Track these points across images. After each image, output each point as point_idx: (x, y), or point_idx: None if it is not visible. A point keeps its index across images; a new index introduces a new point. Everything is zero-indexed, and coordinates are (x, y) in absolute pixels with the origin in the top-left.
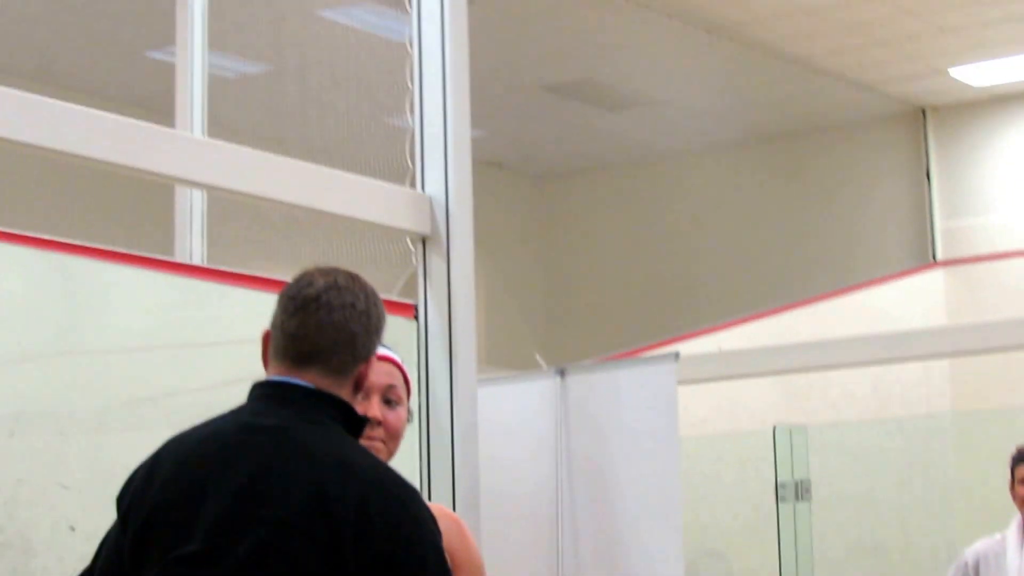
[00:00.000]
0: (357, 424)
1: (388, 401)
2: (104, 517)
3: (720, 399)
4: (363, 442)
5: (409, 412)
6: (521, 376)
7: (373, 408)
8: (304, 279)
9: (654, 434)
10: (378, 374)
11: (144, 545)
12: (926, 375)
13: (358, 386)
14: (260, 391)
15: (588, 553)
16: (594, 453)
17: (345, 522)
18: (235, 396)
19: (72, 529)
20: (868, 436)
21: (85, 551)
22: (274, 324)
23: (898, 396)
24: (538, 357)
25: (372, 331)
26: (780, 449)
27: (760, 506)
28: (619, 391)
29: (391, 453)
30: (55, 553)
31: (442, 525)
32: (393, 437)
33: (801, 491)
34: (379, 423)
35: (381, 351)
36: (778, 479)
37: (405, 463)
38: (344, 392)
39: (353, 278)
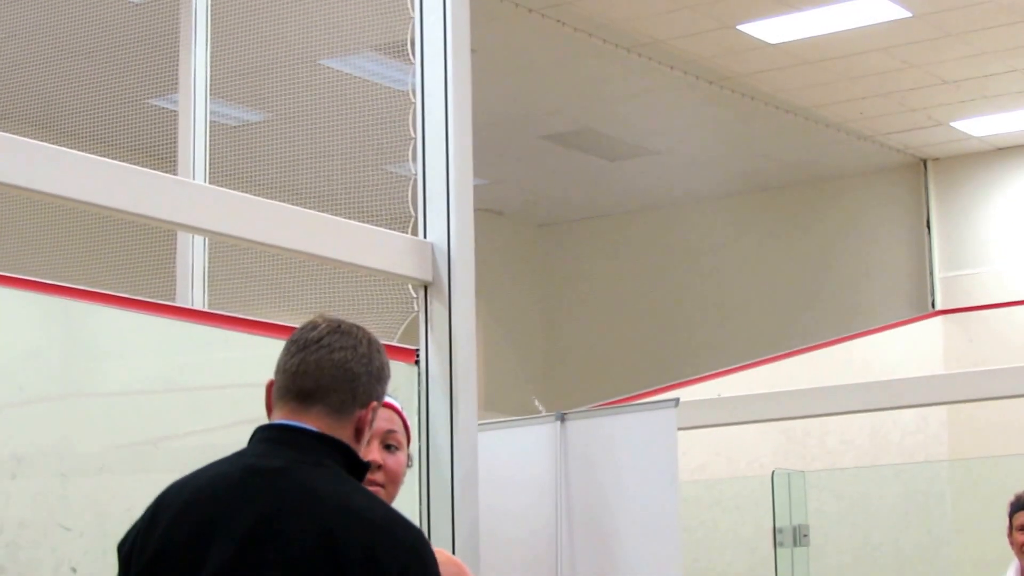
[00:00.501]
0: (360, 468)
1: (388, 446)
2: (106, 559)
3: (719, 445)
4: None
5: (409, 457)
6: (521, 421)
7: (373, 452)
8: (308, 325)
9: (653, 479)
10: (378, 420)
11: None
12: (924, 422)
13: (359, 432)
14: (262, 434)
15: None
16: (593, 498)
17: (352, 566)
18: (237, 439)
19: (74, 571)
20: (865, 482)
21: None
22: (277, 369)
23: (896, 443)
24: (536, 402)
25: (374, 377)
26: (778, 494)
27: (758, 550)
28: (619, 436)
29: (391, 497)
30: None
31: (445, 572)
32: (393, 481)
33: (799, 536)
34: (379, 467)
35: (385, 398)
36: (776, 524)
37: (405, 507)
38: (345, 436)
39: (358, 328)
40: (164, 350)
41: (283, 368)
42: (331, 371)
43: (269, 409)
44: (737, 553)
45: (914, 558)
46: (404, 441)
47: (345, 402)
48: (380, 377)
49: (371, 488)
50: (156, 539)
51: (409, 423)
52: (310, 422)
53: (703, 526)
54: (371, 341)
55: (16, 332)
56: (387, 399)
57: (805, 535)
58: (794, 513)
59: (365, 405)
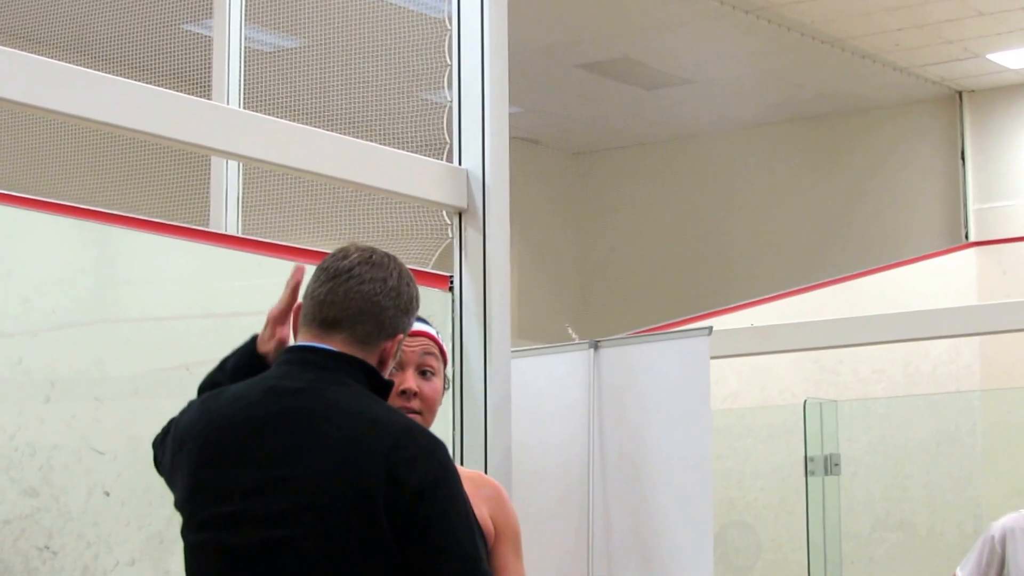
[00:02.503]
0: (383, 387)
1: (423, 372)
2: (139, 482)
3: (751, 374)
4: None
5: (446, 380)
6: (554, 348)
7: (408, 380)
8: (340, 253)
9: (686, 407)
10: (413, 346)
11: (187, 511)
12: (956, 353)
13: (382, 364)
14: (285, 356)
15: (618, 523)
16: (626, 425)
17: (372, 475)
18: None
19: (107, 494)
20: (897, 412)
21: (120, 516)
22: (305, 294)
23: (928, 374)
24: (570, 330)
25: (402, 310)
26: (810, 423)
27: (789, 479)
28: (652, 364)
29: (428, 424)
30: (90, 518)
31: (482, 491)
32: (429, 408)
33: (830, 465)
34: (415, 394)
35: (417, 325)
36: (807, 453)
37: (438, 434)
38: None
39: (390, 258)
40: (197, 275)
41: (311, 295)
42: (359, 303)
43: (295, 333)
44: (768, 482)
45: (945, 488)
46: (440, 367)
47: (370, 333)
48: (408, 310)
49: (408, 415)
50: (183, 462)
51: (446, 347)
52: (333, 345)
53: (735, 454)
54: (401, 273)
55: (50, 257)
56: (423, 327)
57: (836, 464)
58: (826, 442)
59: (391, 337)
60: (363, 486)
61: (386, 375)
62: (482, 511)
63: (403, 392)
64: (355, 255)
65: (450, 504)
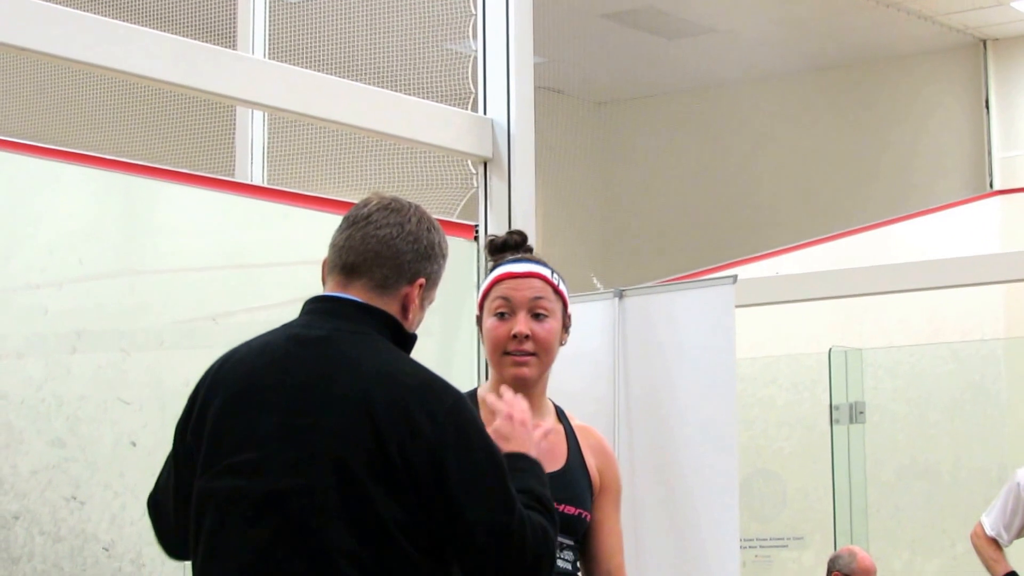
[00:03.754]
0: (406, 340)
1: (536, 315)
2: (165, 433)
3: (776, 323)
4: (513, 359)
5: (567, 320)
6: (579, 297)
7: (519, 323)
8: (362, 202)
9: (711, 356)
10: (522, 289)
11: (206, 457)
12: (980, 302)
13: (405, 310)
14: (309, 306)
15: (643, 472)
16: (651, 373)
17: (391, 427)
18: (295, 315)
19: (133, 444)
20: (922, 361)
21: (146, 466)
22: (330, 243)
23: (952, 322)
24: (595, 279)
25: (421, 255)
26: (835, 372)
27: (814, 428)
28: (677, 313)
29: (545, 366)
30: (117, 468)
31: (591, 442)
32: (545, 350)
33: (855, 413)
34: (527, 337)
35: (528, 267)
36: (832, 401)
37: (465, 385)
38: (390, 311)
39: (412, 205)
40: (223, 226)
41: (333, 243)
42: (375, 247)
43: (323, 283)
44: (793, 430)
45: (969, 436)
46: (555, 308)
47: (388, 278)
48: (429, 255)
49: (522, 357)
50: (208, 412)
51: (562, 288)
52: (354, 293)
53: (760, 403)
54: (421, 219)
55: (76, 207)
56: (535, 268)
57: (861, 412)
58: (851, 391)
59: (411, 282)
60: (381, 439)
61: (411, 322)
62: (590, 460)
63: (515, 336)
64: (375, 202)
65: (471, 456)
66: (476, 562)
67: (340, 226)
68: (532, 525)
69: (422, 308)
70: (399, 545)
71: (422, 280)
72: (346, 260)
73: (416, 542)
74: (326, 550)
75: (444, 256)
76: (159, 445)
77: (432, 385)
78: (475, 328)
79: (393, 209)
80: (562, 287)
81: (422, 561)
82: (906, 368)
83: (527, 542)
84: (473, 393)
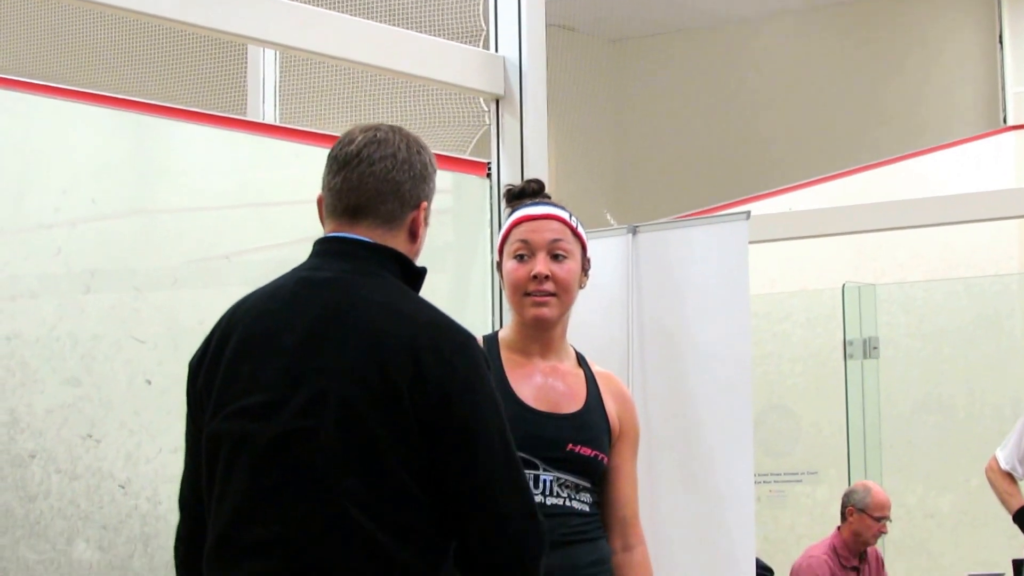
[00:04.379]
0: (415, 275)
1: (555, 256)
2: (179, 371)
3: (790, 259)
4: (533, 299)
5: (587, 262)
6: (592, 233)
7: (538, 264)
8: (345, 138)
9: (724, 292)
10: (541, 231)
11: (217, 401)
12: (994, 236)
13: (414, 235)
14: (318, 247)
15: (657, 408)
16: (664, 309)
17: (399, 367)
18: (305, 254)
19: (148, 383)
20: (935, 296)
21: (161, 404)
22: (323, 186)
23: (966, 257)
24: (608, 216)
25: (418, 179)
26: (849, 307)
27: (828, 363)
28: (690, 249)
29: (564, 307)
30: (132, 406)
31: (612, 388)
32: (565, 290)
33: (869, 348)
34: (547, 277)
35: (546, 209)
36: (846, 337)
37: (478, 320)
38: (399, 242)
39: (394, 130)
40: (235, 165)
41: (327, 186)
42: (374, 185)
43: (323, 222)
44: (807, 366)
45: (983, 370)
46: (574, 249)
47: (393, 211)
48: (424, 176)
49: (542, 298)
50: (225, 355)
51: (580, 229)
52: (361, 233)
53: (774, 339)
54: (409, 143)
55: (89, 147)
56: (553, 210)
57: (875, 348)
58: (864, 326)
59: (415, 207)
60: (388, 379)
61: (420, 241)
62: (610, 406)
63: (534, 277)
64: (360, 138)
65: (478, 403)
66: (469, 503)
67: (330, 167)
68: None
69: (426, 224)
70: (405, 487)
71: (424, 203)
72: (348, 202)
73: (421, 483)
74: (332, 492)
75: (436, 169)
76: (174, 383)
77: (441, 324)
78: (488, 265)
79: (380, 141)
80: (580, 230)
81: (427, 503)
82: (920, 303)
83: (512, 511)
84: (494, 336)
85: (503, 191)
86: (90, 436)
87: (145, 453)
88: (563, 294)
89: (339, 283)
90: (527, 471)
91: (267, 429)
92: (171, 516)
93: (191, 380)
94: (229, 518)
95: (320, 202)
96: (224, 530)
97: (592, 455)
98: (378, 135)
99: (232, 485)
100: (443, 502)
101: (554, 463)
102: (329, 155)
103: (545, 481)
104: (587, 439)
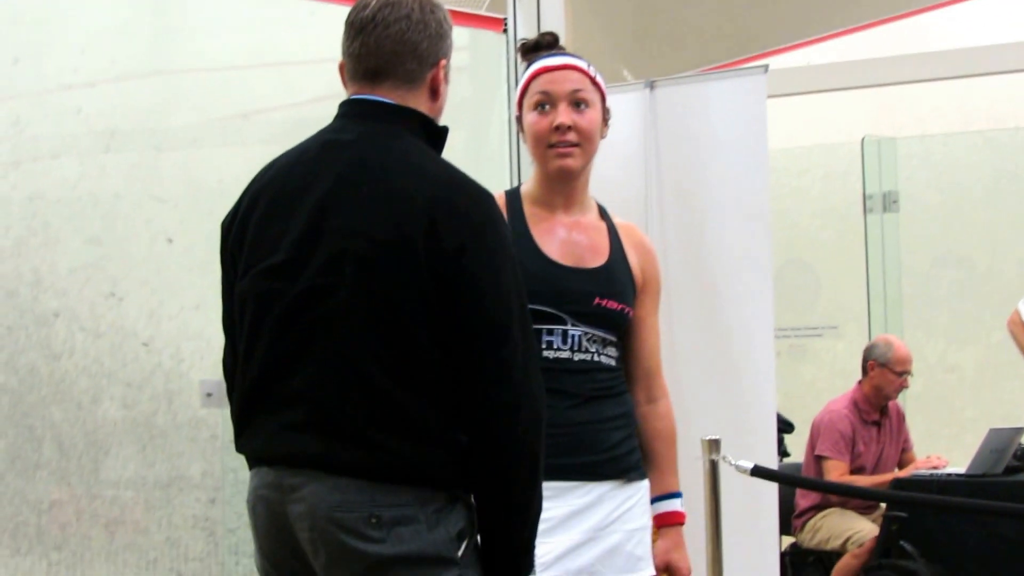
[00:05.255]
0: (438, 134)
1: (577, 104)
2: (200, 230)
3: (809, 113)
4: (557, 150)
5: (607, 112)
6: (609, 88)
7: (561, 114)
8: (360, 3)
9: (743, 146)
10: (561, 82)
11: (246, 261)
12: (1013, 89)
13: (435, 92)
14: (341, 110)
15: (676, 263)
16: (683, 164)
17: (414, 222)
18: (325, 112)
19: (169, 241)
20: (955, 149)
21: (182, 262)
22: (343, 52)
23: (985, 110)
24: (625, 71)
25: (434, 36)
26: (868, 161)
27: (847, 217)
28: (708, 103)
29: (588, 156)
30: (153, 264)
31: (633, 238)
32: (587, 139)
33: (888, 202)
34: (569, 127)
35: (564, 59)
36: (866, 191)
37: (495, 175)
38: (421, 100)
39: None
40: (252, 24)
41: (347, 52)
42: (391, 47)
43: (346, 87)
44: (827, 220)
45: (1004, 224)
46: (594, 98)
47: (413, 71)
48: (440, 34)
49: (565, 148)
50: (250, 218)
51: (598, 78)
52: (383, 95)
53: (793, 193)
54: (423, 3)
55: (105, 7)
56: (571, 60)
57: (895, 201)
58: (884, 180)
59: (434, 65)
60: (404, 235)
61: (442, 98)
62: (632, 258)
63: (557, 127)
64: (374, 2)
65: (493, 257)
66: (476, 352)
67: (347, 33)
68: (531, 361)
69: (447, 81)
70: (420, 342)
71: (443, 60)
72: (367, 66)
73: (437, 338)
74: (351, 349)
75: (451, 26)
76: (195, 242)
77: (457, 180)
78: (506, 121)
79: (393, 3)
80: (599, 79)
81: (442, 360)
82: (939, 157)
83: (517, 361)
84: (516, 191)
85: (518, 45)
86: (112, 294)
87: (167, 310)
88: (586, 143)
89: (359, 144)
90: (556, 326)
91: (290, 288)
92: (193, 373)
93: (223, 241)
94: (257, 373)
95: (342, 68)
96: (253, 385)
97: (619, 308)
98: None
99: (260, 341)
100: (454, 354)
101: (582, 317)
102: (346, 21)
103: (573, 336)
104: (613, 292)
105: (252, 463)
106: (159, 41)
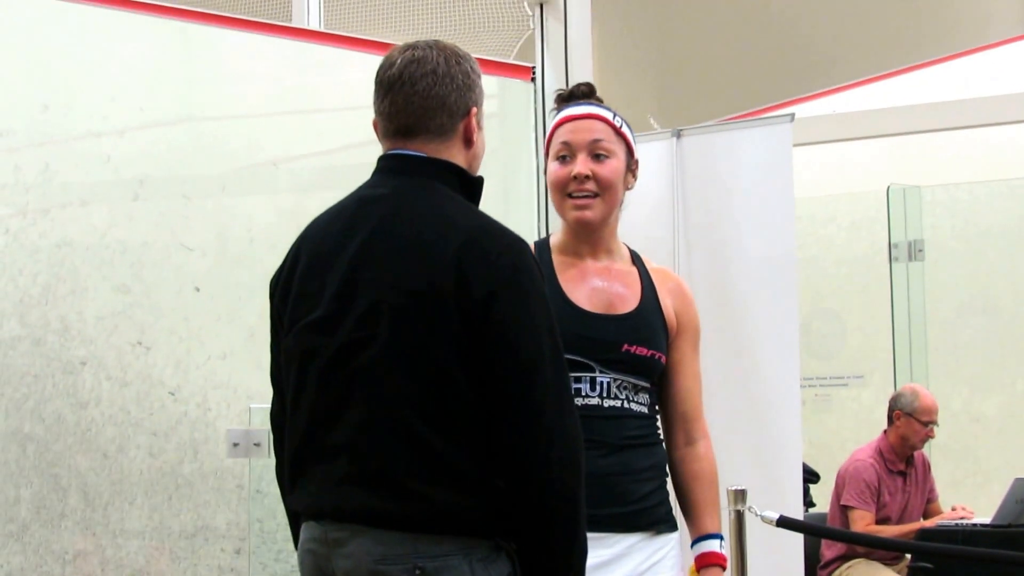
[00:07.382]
0: (473, 185)
1: (597, 156)
2: (228, 278)
3: (835, 161)
4: (574, 201)
5: (633, 162)
6: (637, 137)
7: (579, 164)
8: (386, 61)
9: (769, 194)
10: (582, 131)
11: (290, 318)
12: None
13: (469, 141)
14: (379, 165)
15: (704, 312)
16: (710, 213)
17: (444, 272)
18: (353, 160)
19: (197, 290)
20: (980, 197)
21: (210, 310)
22: (375, 111)
23: (1011, 158)
24: (651, 120)
25: (462, 87)
26: (894, 209)
27: (873, 266)
28: (735, 152)
29: (609, 207)
30: (181, 313)
31: (668, 285)
32: (607, 189)
33: (914, 251)
34: (587, 177)
35: (588, 109)
36: (891, 239)
37: (524, 223)
38: (455, 151)
39: (431, 46)
40: (281, 71)
41: (378, 111)
42: (420, 103)
43: (381, 143)
44: (852, 269)
45: None
46: (617, 150)
47: (443, 124)
48: (469, 85)
49: (583, 200)
50: (294, 276)
51: (624, 128)
52: (417, 148)
53: (819, 242)
54: (447, 56)
55: (136, 55)
56: (592, 109)
57: (920, 250)
58: (909, 228)
59: (465, 115)
60: (435, 285)
61: (477, 147)
62: (667, 303)
63: (575, 177)
64: (399, 59)
65: (525, 300)
66: (508, 396)
67: (377, 92)
68: (566, 404)
69: (480, 128)
70: (458, 391)
71: (473, 108)
72: (399, 124)
73: (474, 385)
74: (389, 398)
75: (479, 74)
76: (223, 290)
77: (487, 228)
78: (534, 169)
79: (419, 60)
80: (625, 130)
81: (480, 405)
82: (964, 205)
83: (548, 403)
84: (544, 241)
85: (554, 95)
86: (140, 343)
87: (195, 359)
88: (605, 193)
89: (393, 198)
90: (584, 373)
91: (330, 342)
92: (220, 423)
93: (271, 298)
94: (304, 428)
95: (375, 125)
96: (300, 440)
97: (649, 354)
98: (416, 54)
99: (305, 396)
100: (488, 399)
101: (610, 364)
102: (375, 79)
103: (602, 383)
104: (643, 339)
105: (302, 517)
106: (188, 89)
